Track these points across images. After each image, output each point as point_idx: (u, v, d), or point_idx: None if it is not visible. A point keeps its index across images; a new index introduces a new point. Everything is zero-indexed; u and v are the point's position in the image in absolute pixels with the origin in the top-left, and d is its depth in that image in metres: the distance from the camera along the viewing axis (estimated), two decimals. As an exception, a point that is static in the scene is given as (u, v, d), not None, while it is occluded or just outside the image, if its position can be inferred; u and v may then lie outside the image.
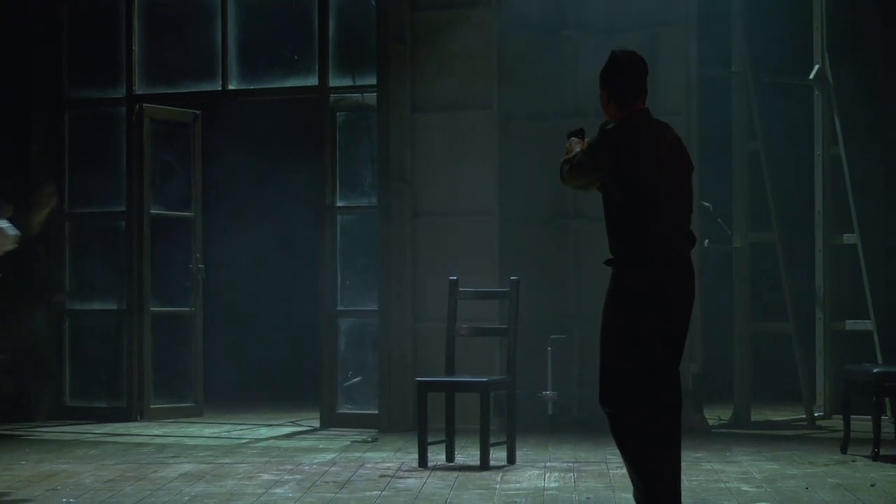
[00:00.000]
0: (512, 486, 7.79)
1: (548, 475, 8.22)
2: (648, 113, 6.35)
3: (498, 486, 7.78)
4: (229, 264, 13.76)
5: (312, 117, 11.39)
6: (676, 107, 10.59)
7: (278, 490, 7.66)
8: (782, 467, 8.50)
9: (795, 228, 11.93)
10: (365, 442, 9.99)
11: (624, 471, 6.63)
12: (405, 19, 10.99)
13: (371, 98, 11.01)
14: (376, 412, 10.83)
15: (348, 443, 9.98)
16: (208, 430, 10.97)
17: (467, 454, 9.01)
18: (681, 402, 6.25)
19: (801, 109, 11.93)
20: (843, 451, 9.10)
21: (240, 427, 11.21)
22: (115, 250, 11.80)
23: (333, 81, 11.18)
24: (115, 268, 11.80)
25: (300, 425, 11.29)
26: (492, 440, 8.59)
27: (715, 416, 11.28)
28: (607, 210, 6.28)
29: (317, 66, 11.22)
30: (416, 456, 8.68)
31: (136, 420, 11.56)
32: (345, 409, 11.07)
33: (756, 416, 11.36)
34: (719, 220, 11.30)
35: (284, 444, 10.06)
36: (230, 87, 11.55)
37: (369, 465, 8.71)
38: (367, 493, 7.51)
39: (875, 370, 8.88)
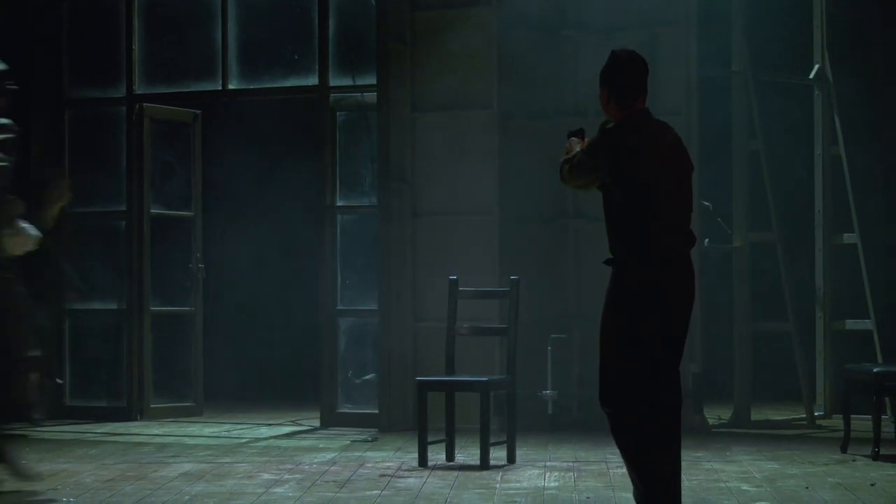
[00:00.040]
0: (512, 485, 7.79)
1: (548, 475, 8.22)
2: (648, 113, 6.35)
3: (498, 485, 7.78)
4: (229, 264, 13.76)
5: (312, 117, 11.39)
6: (676, 106, 10.59)
7: (278, 489, 7.66)
8: (782, 467, 8.50)
9: (795, 228, 11.93)
10: (365, 441, 9.99)
11: (624, 470, 6.63)
12: (405, 19, 10.99)
13: (371, 97, 11.01)
14: (376, 412, 10.83)
15: (348, 442, 9.98)
16: (208, 430, 10.97)
17: (467, 454, 9.01)
18: (681, 402, 6.25)
19: (801, 109, 11.93)
20: (843, 450, 9.10)
21: (240, 426, 11.21)
22: (115, 250, 11.79)
23: (333, 81, 11.18)
24: (115, 267, 11.80)
25: (300, 425, 11.29)
26: (492, 440, 8.59)
27: (715, 415, 11.28)
28: (607, 210, 6.28)
29: (317, 66, 11.22)
30: (416, 455, 8.68)
31: (136, 419, 11.56)
32: (345, 409, 11.07)
33: (756, 415, 11.36)
34: (719, 219, 11.30)
35: (284, 443, 10.06)
36: (230, 86, 11.55)
37: (369, 465, 8.71)
38: (368, 493, 7.51)
39: (875, 370, 8.88)
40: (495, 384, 8.72)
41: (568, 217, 11.00)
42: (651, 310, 6.16)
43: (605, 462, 8.67)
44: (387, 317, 10.83)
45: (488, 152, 10.84)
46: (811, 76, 11.71)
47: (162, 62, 11.80)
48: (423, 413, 8.62)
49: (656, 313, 6.17)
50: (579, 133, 6.57)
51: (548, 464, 8.71)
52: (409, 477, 8.14)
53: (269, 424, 11.31)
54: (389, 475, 8.22)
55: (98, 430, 10.94)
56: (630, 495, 6.39)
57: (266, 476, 8.19)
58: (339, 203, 11.18)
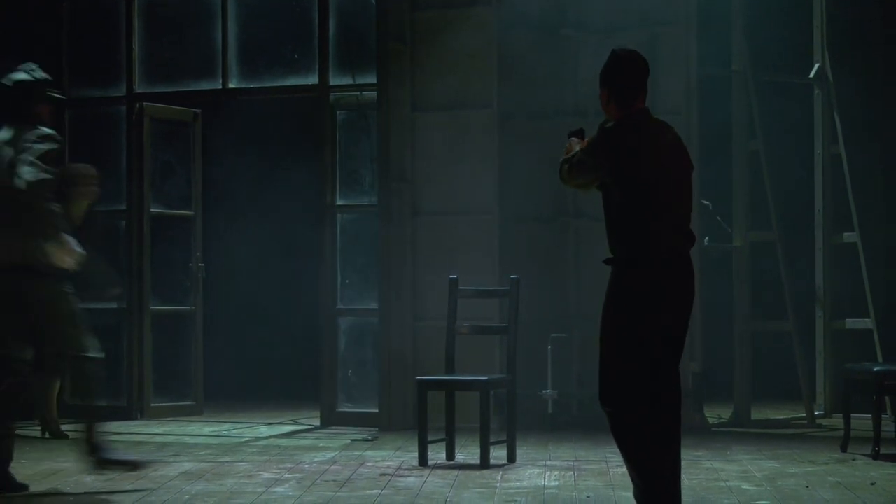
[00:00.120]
0: (512, 484, 7.79)
1: (548, 474, 8.22)
2: (648, 112, 6.35)
3: (498, 484, 7.78)
4: (229, 263, 13.76)
5: (312, 116, 11.39)
6: (676, 106, 10.59)
7: (278, 489, 7.66)
8: (782, 466, 8.50)
9: (795, 227, 11.94)
10: (365, 441, 9.99)
11: (624, 469, 6.63)
12: (405, 18, 11.00)
13: (371, 97, 11.01)
14: (376, 411, 10.83)
15: (348, 441, 9.98)
16: (208, 429, 10.97)
17: (467, 453, 9.02)
18: (681, 401, 6.25)
19: (801, 108, 11.93)
20: (844, 449, 9.10)
21: (240, 426, 11.21)
22: (115, 249, 11.79)
23: (333, 80, 11.18)
24: (115, 266, 11.80)
25: (300, 424, 11.30)
26: (492, 439, 8.58)
27: (715, 414, 11.29)
28: (607, 209, 6.28)
29: (317, 65, 11.22)
30: (416, 454, 8.68)
31: (136, 419, 11.57)
32: (345, 408, 11.07)
33: (756, 414, 11.36)
34: (718, 217, 11.31)
35: (284, 442, 10.06)
36: (230, 85, 11.55)
37: (369, 464, 8.71)
38: (368, 492, 7.51)
39: (875, 369, 8.88)
40: (495, 383, 8.72)
41: (568, 216, 11.00)
42: (651, 309, 6.16)
43: (606, 461, 8.68)
44: (387, 316, 10.84)
45: (488, 152, 10.84)
46: (811, 76, 11.71)
47: (162, 61, 11.80)
48: (423, 412, 8.62)
49: (656, 313, 6.17)
50: (579, 133, 6.56)
51: (548, 463, 8.71)
52: (409, 476, 8.15)
53: (269, 423, 11.31)
54: (389, 474, 8.22)
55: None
56: (630, 494, 6.39)
57: (266, 475, 8.19)
58: (339, 202, 11.18)
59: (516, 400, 8.86)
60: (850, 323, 11.57)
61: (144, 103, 11.73)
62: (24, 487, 7.55)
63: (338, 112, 11.21)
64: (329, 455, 9.21)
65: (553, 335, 10.63)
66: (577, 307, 10.92)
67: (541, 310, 10.72)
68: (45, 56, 11.79)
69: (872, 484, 7.69)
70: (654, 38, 10.76)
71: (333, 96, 11.18)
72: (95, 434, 7.61)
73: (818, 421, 11.29)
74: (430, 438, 8.63)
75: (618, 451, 6.30)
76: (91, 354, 7.55)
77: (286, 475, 8.20)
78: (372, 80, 11.00)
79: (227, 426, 11.17)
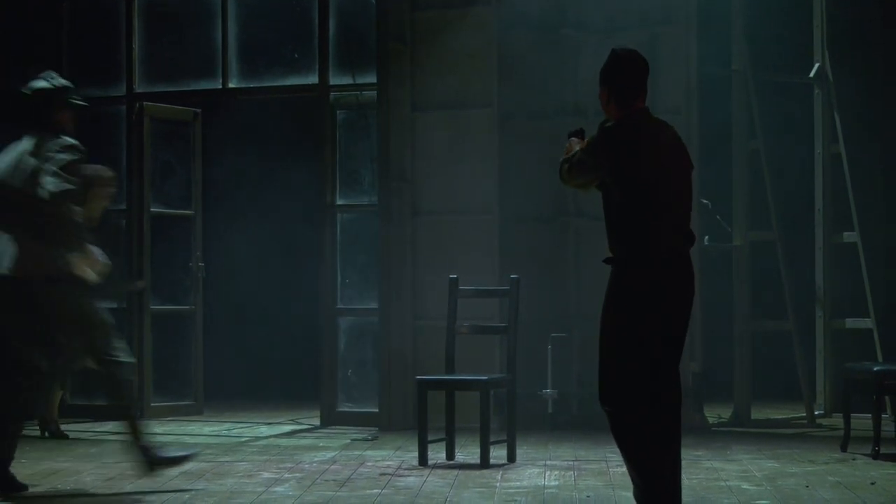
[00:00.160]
0: (512, 484, 7.79)
1: (548, 473, 8.22)
2: (648, 112, 6.35)
3: (498, 484, 7.79)
4: (229, 262, 13.76)
5: (312, 116, 11.39)
6: (676, 105, 10.60)
7: (278, 488, 7.66)
8: (782, 466, 8.50)
9: (796, 227, 11.94)
10: (365, 440, 9.99)
11: (624, 469, 6.64)
12: (405, 18, 11.00)
13: (371, 97, 11.02)
14: (376, 411, 10.84)
15: (348, 441, 9.98)
16: (208, 429, 10.97)
17: (467, 452, 9.02)
18: (681, 401, 6.25)
19: (801, 108, 11.93)
20: (844, 449, 9.10)
21: (240, 425, 11.21)
22: (116, 249, 11.79)
23: (333, 80, 11.18)
24: (115, 266, 11.79)
25: (300, 424, 11.30)
26: (492, 438, 8.59)
27: (715, 414, 11.29)
28: (607, 209, 6.28)
29: (317, 65, 11.22)
30: (416, 454, 8.68)
31: (136, 418, 11.54)
32: (345, 408, 11.08)
33: (756, 414, 11.36)
34: (718, 216, 11.31)
35: (284, 442, 10.07)
36: (230, 85, 11.55)
37: (369, 464, 8.71)
38: (368, 492, 7.51)
39: (875, 368, 8.88)
40: (495, 383, 8.72)
41: (568, 216, 11.00)
42: (651, 309, 6.16)
43: (606, 461, 8.68)
44: (387, 316, 10.84)
45: (488, 151, 10.84)
46: (811, 75, 11.71)
47: (162, 61, 11.80)
48: (423, 412, 8.62)
49: (656, 313, 6.17)
50: (579, 133, 6.56)
51: (548, 462, 8.71)
52: (409, 476, 8.15)
53: (269, 423, 11.31)
54: (389, 474, 8.22)
55: (98, 429, 10.93)
56: (630, 494, 6.39)
57: (266, 475, 8.20)
58: (339, 202, 11.18)
59: (516, 400, 8.86)
60: (850, 322, 11.57)
61: (144, 103, 11.73)
62: (24, 487, 7.56)
63: (338, 112, 11.21)
64: (329, 455, 9.21)
65: (553, 335, 10.64)
66: (577, 307, 10.92)
67: (541, 309, 10.73)
68: (45, 56, 11.84)
69: (872, 483, 7.69)
70: (654, 37, 10.76)
71: (333, 96, 11.18)
72: (141, 437, 7.58)
73: (818, 421, 11.29)
74: (430, 438, 8.63)
75: (618, 450, 6.30)
76: (122, 359, 7.56)
77: (286, 475, 8.20)
78: (372, 79, 11.01)
79: (227, 426, 11.18)
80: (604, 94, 6.34)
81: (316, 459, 8.95)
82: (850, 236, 11.57)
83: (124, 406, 7.58)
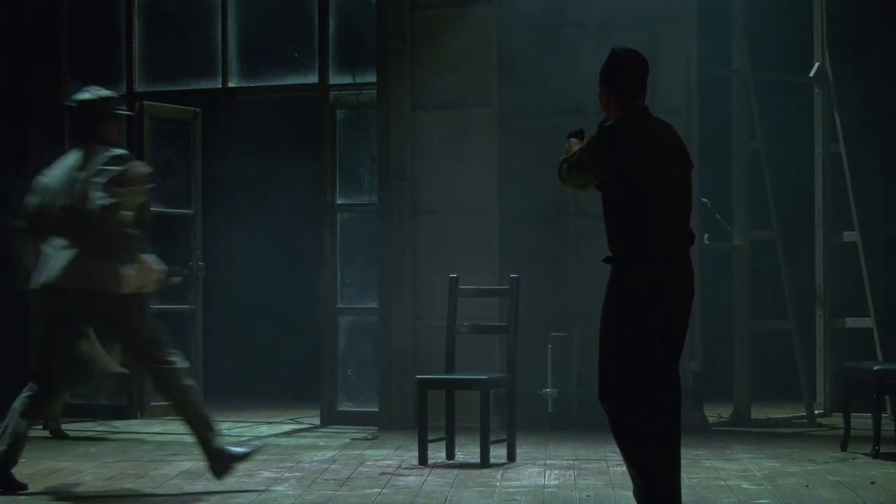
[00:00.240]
0: (512, 483, 7.79)
1: (548, 473, 8.22)
2: (648, 111, 6.35)
3: (498, 483, 7.79)
4: (229, 262, 13.76)
5: (312, 115, 11.39)
6: (676, 105, 10.60)
7: (278, 488, 7.66)
8: (782, 465, 8.51)
9: (795, 226, 11.94)
10: (365, 440, 10.00)
11: (624, 468, 6.64)
12: (405, 18, 11.00)
13: (371, 96, 11.02)
14: (376, 410, 10.84)
15: (348, 440, 9.98)
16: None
17: (467, 452, 9.02)
18: (680, 400, 6.25)
19: (801, 108, 11.94)
20: (844, 448, 9.10)
21: (240, 425, 11.21)
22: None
23: (333, 79, 11.19)
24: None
25: (300, 423, 11.30)
26: (492, 438, 8.59)
27: (715, 413, 11.29)
28: (606, 209, 6.28)
29: (317, 65, 11.23)
30: (416, 454, 8.68)
31: (136, 417, 11.57)
32: (345, 407, 11.08)
33: (756, 413, 11.37)
34: (717, 215, 11.32)
35: (284, 441, 10.07)
36: (230, 84, 11.56)
37: (369, 463, 8.71)
38: (368, 491, 7.52)
39: (875, 368, 8.88)
40: (495, 382, 8.72)
41: (568, 215, 11.00)
42: (651, 309, 6.16)
43: (606, 460, 8.68)
44: (387, 315, 10.84)
45: (488, 151, 10.85)
46: (811, 75, 11.71)
47: (162, 61, 11.80)
48: (423, 411, 8.62)
49: (656, 312, 6.17)
50: (579, 134, 6.56)
51: (548, 462, 8.71)
52: (409, 475, 8.15)
53: (269, 423, 11.31)
54: (389, 473, 8.22)
55: (98, 429, 10.94)
56: (630, 493, 6.39)
57: (266, 474, 8.20)
58: (339, 201, 11.19)
59: (516, 399, 8.86)
60: (850, 322, 11.57)
61: (144, 102, 11.73)
62: (24, 487, 7.56)
63: (338, 111, 11.21)
64: (329, 454, 9.21)
65: (553, 334, 10.64)
66: (577, 307, 10.93)
67: (541, 309, 10.73)
68: (45, 56, 11.85)
69: (872, 483, 7.69)
70: (655, 37, 10.76)
71: (333, 95, 11.19)
72: (211, 441, 7.56)
73: (818, 420, 11.29)
74: (430, 437, 8.63)
75: (618, 450, 6.30)
76: (177, 365, 7.58)
77: (286, 474, 8.20)
78: (372, 79, 11.01)
79: (227, 425, 11.16)
80: (604, 93, 6.34)
81: (316, 459, 8.95)
82: (850, 236, 11.58)
83: (191, 413, 7.56)
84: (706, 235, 11.12)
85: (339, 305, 11.16)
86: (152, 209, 11.74)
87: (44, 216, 7.55)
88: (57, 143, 11.86)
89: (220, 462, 7.53)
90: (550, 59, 11.05)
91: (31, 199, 7.66)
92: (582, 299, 10.87)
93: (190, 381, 7.61)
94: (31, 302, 7.66)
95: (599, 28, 10.93)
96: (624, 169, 6.20)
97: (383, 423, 10.71)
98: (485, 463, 8.48)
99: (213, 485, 7.75)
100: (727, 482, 7.75)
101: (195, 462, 8.72)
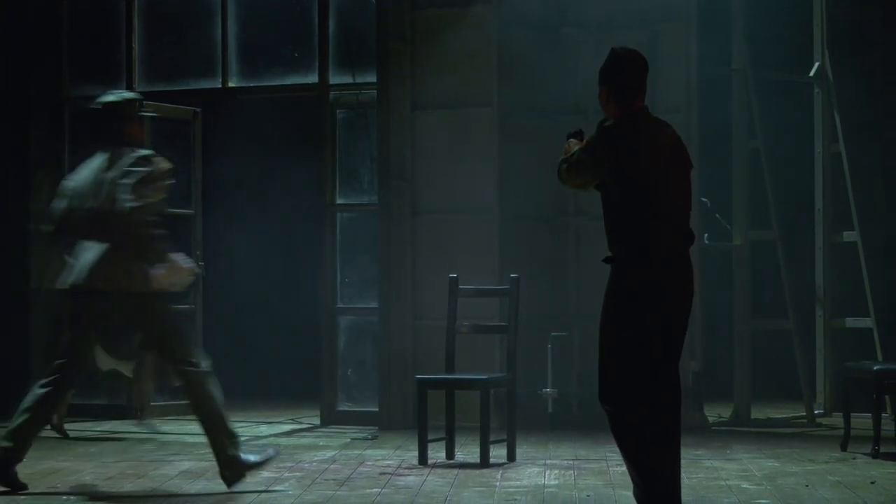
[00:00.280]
0: (512, 483, 7.79)
1: (548, 473, 8.22)
2: (648, 111, 6.35)
3: (498, 483, 7.79)
4: (229, 262, 13.76)
5: (312, 115, 11.39)
6: (676, 105, 10.60)
7: (278, 487, 7.66)
8: (782, 465, 8.50)
9: (795, 226, 11.94)
10: (365, 440, 9.99)
11: (624, 468, 6.64)
12: (405, 18, 11.00)
13: (371, 96, 11.02)
14: (376, 410, 10.84)
15: (348, 440, 9.98)
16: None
17: (467, 452, 9.02)
18: (680, 400, 6.25)
19: (801, 107, 11.93)
20: (844, 448, 9.10)
21: (239, 424, 11.14)
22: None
23: (333, 79, 11.18)
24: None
25: (300, 423, 11.30)
26: (492, 438, 8.59)
27: (715, 413, 11.29)
28: (606, 209, 6.28)
29: (317, 64, 11.23)
30: (416, 453, 8.68)
31: (136, 417, 11.55)
32: (345, 407, 11.08)
33: (756, 413, 11.36)
34: (717, 215, 11.32)
35: (284, 441, 10.06)
36: (230, 84, 11.55)
37: (369, 463, 8.71)
38: (368, 491, 7.51)
39: (875, 368, 8.88)
40: (495, 382, 8.72)
41: (568, 215, 11.00)
42: (651, 309, 6.16)
43: (606, 460, 8.68)
44: (387, 315, 10.84)
45: (488, 151, 10.85)
46: (811, 74, 11.71)
47: (162, 61, 11.80)
48: (423, 411, 8.62)
49: (656, 312, 6.17)
50: (578, 135, 6.56)
51: (548, 462, 8.71)
52: (409, 475, 8.15)
53: (269, 422, 11.31)
54: (389, 473, 8.22)
55: (98, 429, 10.94)
56: (630, 493, 6.39)
57: (266, 474, 8.18)
58: (339, 201, 11.18)
59: (516, 399, 8.86)
60: (850, 322, 11.57)
61: (144, 102, 11.70)
62: (24, 487, 7.56)
63: (338, 111, 11.21)
64: (329, 454, 9.21)
65: (553, 334, 10.64)
66: (577, 306, 10.93)
67: (541, 309, 10.73)
68: (45, 54, 11.85)
69: (872, 483, 7.69)
70: (654, 36, 10.76)
71: (333, 95, 11.19)
72: (226, 447, 7.55)
73: (818, 420, 11.29)
74: (430, 437, 8.63)
75: (618, 450, 6.30)
76: (203, 368, 7.59)
77: (286, 474, 8.20)
78: (372, 79, 11.01)
79: (227, 425, 11.15)
80: (603, 93, 6.34)
81: (316, 459, 8.95)
82: (849, 236, 11.58)
83: (212, 418, 7.56)
84: (706, 235, 11.12)
85: (339, 305, 11.15)
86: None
87: (72, 219, 7.58)
88: (57, 140, 11.89)
89: (233, 469, 7.52)
90: (550, 59, 11.05)
91: (59, 203, 7.69)
92: (582, 299, 10.87)
93: (214, 385, 7.62)
94: (58, 302, 7.65)
95: (599, 28, 10.93)
96: (624, 169, 6.20)
97: (383, 423, 10.71)
98: (485, 463, 8.48)
99: (213, 485, 7.75)
100: (727, 482, 7.75)
101: (195, 462, 8.73)
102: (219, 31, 11.51)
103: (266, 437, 10.39)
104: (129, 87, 11.75)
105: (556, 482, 7.83)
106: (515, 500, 7.22)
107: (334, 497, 7.32)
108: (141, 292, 7.43)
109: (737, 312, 11.39)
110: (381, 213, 10.91)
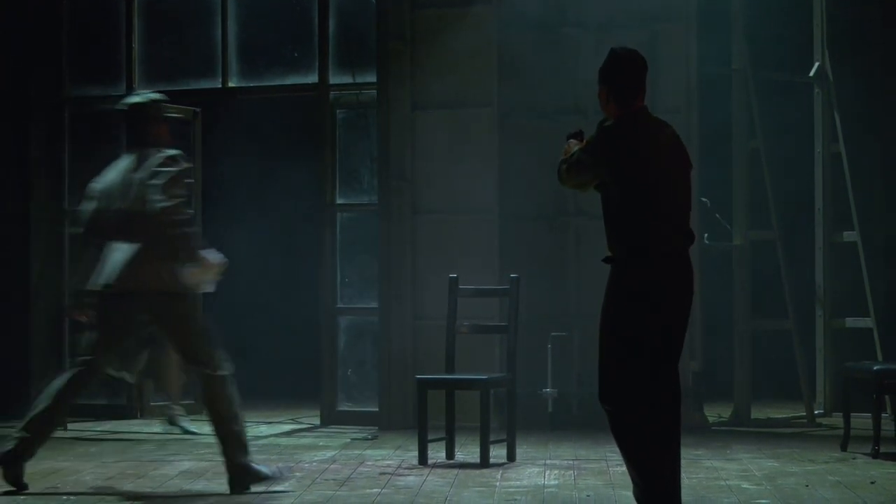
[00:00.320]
0: (512, 483, 7.79)
1: (548, 473, 8.22)
2: (647, 111, 6.35)
3: (498, 483, 7.79)
4: (229, 261, 13.72)
5: (312, 115, 11.39)
6: (676, 105, 10.60)
7: (278, 487, 7.65)
8: (782, 465, 8.50)
9: (795, 226, 11.94)
10: (365, 440, 9.99)
11: (624, 468, 6.64)
12: (405, 17, 11.00)
13: (371, 96, 11.02)
14: (376, 410, 10.83)
15: (348, 440, 9.98)
16: (208, 428, 10.93)
17: (467, 452, 9.02)
18: (680, 400, 6.25)
19: (801, 107, 11.93)
20: (843, 448, 9.10)
21: (240, 425, 11.19)
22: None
23: (333, 79, 11.18)
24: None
25: (300, 423, 11.30)
26: (492, 438, 8.59)
27: (715, 413, 11.29)
28: (606, 209, 6.28)
29: (317, 64, 11.22)
30: (416, 453, 8.68)
31: (136, 417, 11.56)
32: (345, 407, 11.07)
33: (756, 413, 11.36)
34: (717, 215, 11.32)
35: (284, 441, 10.07)
36: (230, 84, 11.55)
37: (369, 463, 8.71)
38: (367, 491, 7.51)
39: (875, 368, 8.88)
40: (495, 382, 8.72)
41: (568, 215, 11.00)
42: (651, 308, 6.16)
43: (606, 460, 8.68)
44: (387, 315, 10.84)
45: (488, 150, 10.85)
46: (811, 74, 11.71)
47: (162, 61, 11.80)
48: (423, 411, 8.62)
49: (656, 312, 6.17)
50: (578, 135, 6.56)
51: (548, 462, 8.71)
52: (409, 475, 8.15)
53: (269, 422, 11.31)
54: (389, 473, 8.22)
55: (98, 429, 10.94)
56: (630, 493, 6.39)
57: (266, 474, 8.18)
58: (339, 201, 11.18)
59: (516, 399, 8.86)
60: (850, 322, 11.57)
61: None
62: (24, 487, 7.56)
63: (338, 111, 11.21)
64: (329, 454, 9.21)
65: (553, 334, 10.64)
66: (577, 306, 10.92)
67: (541, 309, 10.73)
68: (45, 55, 11.84)
69: (872, 483, 7.69)
70: (654, 36, 10.76)
71: (333, 95, 11.19)
72: (237, 455, 7.52)
73: (818, 420, 11.29)
74: (430, 437, 8.63)
75: (618, 450, 6.30)
76: (224, 371, 7.60)
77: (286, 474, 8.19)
78: (372, 79, 11.01)
79: (227, 425, 11.15)
80: (603, 93, 6.34)
81: (316, 459, 8.95)
82: (849, 236, 11.58)
83: (227, 425, 7.55)
84: (706, 235, 11.12)
85: (339, 305, 11.15)
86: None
87: (101, 220, 7.59)
88: (57, 140, 11.88)
89: (241, 477, 7.50)
90: (550, 59, 11.05)
91: (88, 205, 7.70)
92: (582, 299, 10.86)
93: (234, 391, 7.63)
94: (93, 303, 7.63)
95: (599, 28, 10.93)
96: (623, 169, 6.20)
97: (383, 423, 10.71)
98: (485, 463, 8.48)
99: (213, 485, 7.75)
100: (727, 482, 7.75)
101: (195, 462, 8.73)
102: (219, 31, 11.51)
103: (266, 437, 10.39)
104: (129, 87, 11.75)
105: (556, 482, 7.83)
106: (515, 500, 7.21)
107: (334, 497, 7.32)
108: (170, 292, 7.45)
109: (737, 312, 11.39)
110: (381, 213, 10.91)
